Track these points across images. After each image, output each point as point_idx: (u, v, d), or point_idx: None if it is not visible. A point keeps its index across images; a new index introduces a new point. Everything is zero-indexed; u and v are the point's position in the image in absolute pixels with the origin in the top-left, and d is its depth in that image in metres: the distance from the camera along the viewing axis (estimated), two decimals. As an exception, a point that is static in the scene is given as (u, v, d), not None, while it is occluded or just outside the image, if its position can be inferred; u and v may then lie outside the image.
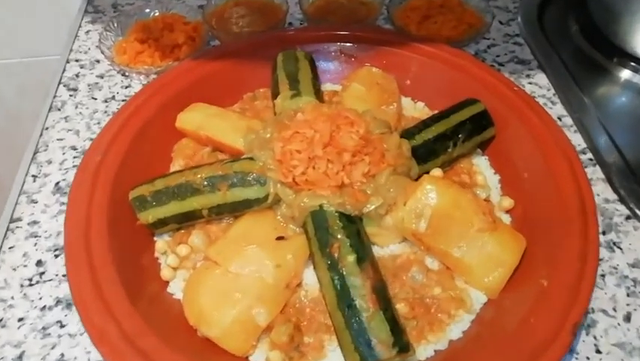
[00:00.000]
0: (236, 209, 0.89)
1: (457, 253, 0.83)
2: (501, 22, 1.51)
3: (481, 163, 1.06)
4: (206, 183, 0.87)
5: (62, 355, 0.87)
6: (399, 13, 1.39)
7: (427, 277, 0.86)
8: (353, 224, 0.83)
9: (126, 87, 1.34)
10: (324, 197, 0.83)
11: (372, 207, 0.85)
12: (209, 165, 0.89)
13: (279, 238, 0.85)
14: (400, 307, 0.82)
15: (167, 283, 0.89)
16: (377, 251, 0.89)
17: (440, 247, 0.85)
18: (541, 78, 1.33)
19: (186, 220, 0.91)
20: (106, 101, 1.30)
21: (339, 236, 0.80)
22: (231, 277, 0.81)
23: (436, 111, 1.15)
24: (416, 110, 1.16)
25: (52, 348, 0.88)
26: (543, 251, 0.86)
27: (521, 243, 0.87)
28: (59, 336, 0.89)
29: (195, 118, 1.03)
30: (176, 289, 0.88)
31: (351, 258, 0.78)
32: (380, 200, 0.85)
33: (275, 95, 1.06)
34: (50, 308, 0.92)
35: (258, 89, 1.19)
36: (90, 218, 0.88)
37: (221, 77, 1.17)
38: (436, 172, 0.98)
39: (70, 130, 1.23)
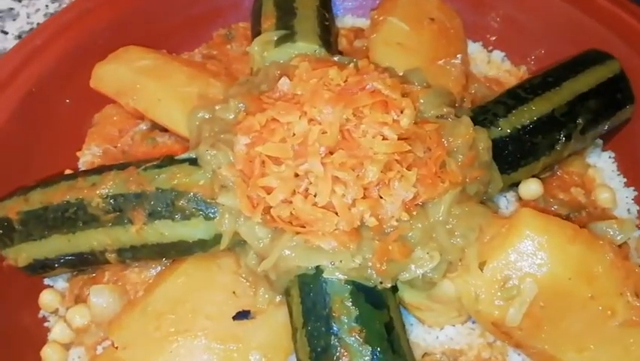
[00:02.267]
0: (165, 254, 0.50)
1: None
2: None
3: (601, 164, 0.65)
4: (109, 206, 0.48)
5: None
6: None
7: (512, 398, 0.46)
8: (380, 310, 0.43)
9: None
10: (326, 253, 0.42)
11: (419, 271, 0.43)
12: (117, 172, 0.48)
13: (241, 315, 0.47)
14: None
15: (51, 370, 0.51)
16: (421, 336, 0.50)
17: (545, 349, 0.44)
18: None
19: (83, 265, 0.54)
20: (19, 37, 0.89)
21: (349, 340, 0.41)
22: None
23: (523, 69, 0.72)
24: (491, 65, 0.77)
25: None
26: None
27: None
28: None
29: (118, 74, 0.63)
30: (66, 385, 0.51)
31: (373, 391, 0.38)
32: (435, 257, 0.44)
33: (254, 29, 0.64)
34: None
35: (237, 23, 0.78)
36: None
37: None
38: (532, 185, 0.56)
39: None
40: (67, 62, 0.68)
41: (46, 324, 0.57)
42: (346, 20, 0.81)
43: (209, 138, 0.50)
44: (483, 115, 0.56)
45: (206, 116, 0.54)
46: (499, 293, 0.45)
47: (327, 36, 0.61)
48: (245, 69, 0.69)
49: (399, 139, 0.44)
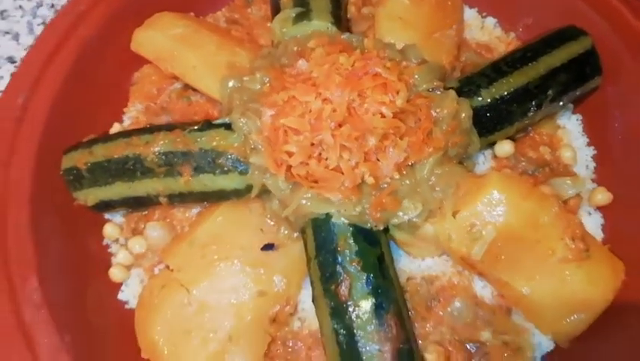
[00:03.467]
0: (207, 199, 0.62)
1: (525, 287, 0.58)
2: None
3: (569, 126, 0.75)
4: (161, 161, 0.59)
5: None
6: None
7: (473, 312, 0.60)
8: (374, 247, 0.56)
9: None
10: (334, 203, 0.55)
11: (406, 217, 0.56)
12: (166, 133, 0.60)
13: (267, 247, 0.60)
14: (430, 358, 0.58)
15: (118, 285, 0.66)
16: (406, 265, 0.63)
17: (500, 277, 0.58)
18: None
19: (139, 206, 0.66)
20: (52, -7, 0.96)
21: (350, 269, 0.54)
22: (196, 306, 0.57)
23: (512, 35, 0.80)
24: (484, 31, 0.83)
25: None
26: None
27: (619, 275, 0.59)
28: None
29: (156, 41, 0.71)
30: (129, 295, 0.66)
31: (367, 305, 0.53)
32: (419, 207, 0.57)
33: (274, 3, 0.71)
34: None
35: (257, -15, 0.84)
36: (7, 193, 0.63)
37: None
38: (505, 146, 0.67)
39: (8, 33, 0.92)
40: (107, 27, 0.74)
41: (109, 250, 0.70)
42: None
43: (240, 106, 0.61)
44: (468, 86, 0.65)
45: (236, 85, 0.64)
46: (466, 235, 0.57)
47: (338, 11, 0.69)
48: (264, 34, 0.77)
49: (394, 115, 0.55)
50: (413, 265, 0.64)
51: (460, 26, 0.77)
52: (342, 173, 0.55)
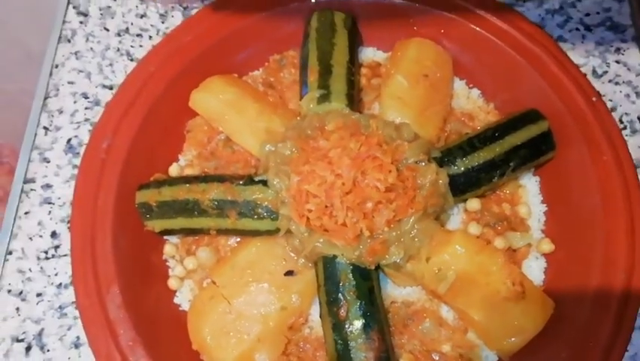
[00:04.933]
0: (245, 235, 0.83)
1: (476, 315, 0.78)
2: (604, -41, 1.18)
3: (529, 185, 0.93)
4: (214, 206, 0.80)
5: (78, 338, 0.90)
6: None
7: (438, 331, 0.81)
8: (367, 281, 0.77)
9: (141, 16, 1.18)
10: (339, 248, 0.75)
11: (392, 260, 0.77)
12: (218, 184, 0.81)
13: (288, 273, 0.80)
14: (404, 362, 0.79)
15: (174, 292, 0.88)
16: (391, 291, 0.84)
17: (458, 306, 0.79)
18: (634, 56, 1.08)
19: (194, 233, 0.87)
20: (119, 35, 1.15)
21: (348, 297, 0.75)
22: (235, 314, 0.79)
23: (492, 105, 0.98)
24: (469, 100, 0.99)
25: (69, 329, 0.91)
26: (571, 324, 0.78)
27: (548, 310, 0.79)
28: (75, 318, 0.92)
29: (210, 103, 0.90)
30: (183, 299, 0.87)
31: (359, 324, 0.74)
32: (401, 253, 0.77)
33: (303, 79, 0.91)
34: (66, 287, 0.94)
35: (287, 51, 1.03)
36: (95, 219, 0.84)
37: (243, 35, 1.00)
38: (474, 204, 0.87)
39: (82, 72, 1.12)
40: (170, 85, 0.93)
41: (167, 264, 0.89)
42: (368, 53, 1.02)
43: (274, 167, 0.80)
44: (448, 156, 0.83)
45: (272, 149, 0.84)
46: (435, 275, 0.76)
47: (352, 91, 0.87)
48: (293, 98, 0.96)
49: (386, 190, 0.75)
50: (396, 291, 0.85)
51: (449, 100, 0.96)
52: (347, 226, 0.75)
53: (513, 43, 0.95)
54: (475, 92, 1.00)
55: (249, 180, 0.81)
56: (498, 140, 0.85)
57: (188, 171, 0.92)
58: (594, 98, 0.89)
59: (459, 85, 1.00)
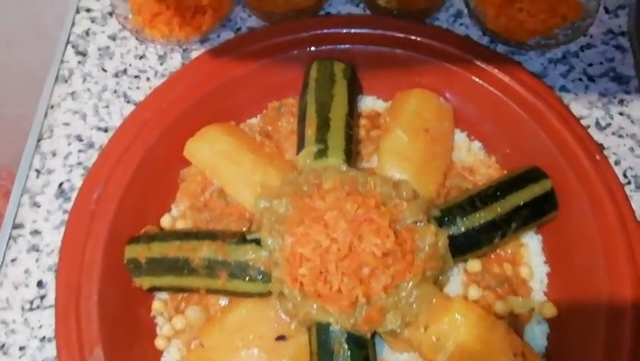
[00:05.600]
0: (236, 296, 0.80)
1: (476, 386, 0.74)
2: (607, 11, 1.17)
3: (531, 244, 0.90)
4: (204, 265, 0.77)
5: (60, 396, 0.86)
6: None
7: (436, 402, 0.77)
8: (362, 350, 0.73)
9: (140, 57, 1.16)
10: (333, 315, 0.72)
11: (389, 328, 0.74)
12: (210, 242, 0.78)
13: (279, 338, 0.77)
14: None
15: (161, 351, 0.85)
16: (388, 356, 0.81)
17: (457, 376, 0.75)
18: (638, 108, 1.06)
19: (183, 292, 0.84)
20: (116, 76, 1.14)
21: (342, 368, 0.71)
22: (223, 382, 0.75)
23: (493, 159, 0.96)
24: (470, 153, 0.97)
25: (51, 386, 0.88)
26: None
27: (552, 382, 0.76)
28: (57, 375, 0.88)
29: (204, 153, 0.88)
30: (169, 360, 0.83)
31: (352, 397, 0.70)
32: (398, 320, 0.74)
33: (300, 131, 0.89)
34: (50, 340, 0.90)
35: (286, 98, 1.01)
36: (82, 272, 0.82)
37: (242, 81, 0.98)
38: (474, 265, 0.84)
39: (77, 113, 1.11)
40: (167, 134, 0.91)
41: (155, 320, 0.86)
42: (367, 102, 1.00)
43: (268, 225, 0.78)
44: (448, 215, 0.81)
45: (266, 206, 0.81)
46: (433, 345, 0.73)
47: (350, 146, 0.85)
48: (290, 148, 0.93)
49: (383, 255, 0.72)
50: (393, 356, 0.81)
51: (450, 154, 0.94)
52: (342, 293, 0.72)
53: (514, 95, 0.93)
54: (477, 144, 0.97)
55: (242, 239, 0.78)
56: (499, 199, 0.82)
57: (180, 223, 0.90)
58: (597, 156, 0.87)
59: (460, 137, 0.98)
